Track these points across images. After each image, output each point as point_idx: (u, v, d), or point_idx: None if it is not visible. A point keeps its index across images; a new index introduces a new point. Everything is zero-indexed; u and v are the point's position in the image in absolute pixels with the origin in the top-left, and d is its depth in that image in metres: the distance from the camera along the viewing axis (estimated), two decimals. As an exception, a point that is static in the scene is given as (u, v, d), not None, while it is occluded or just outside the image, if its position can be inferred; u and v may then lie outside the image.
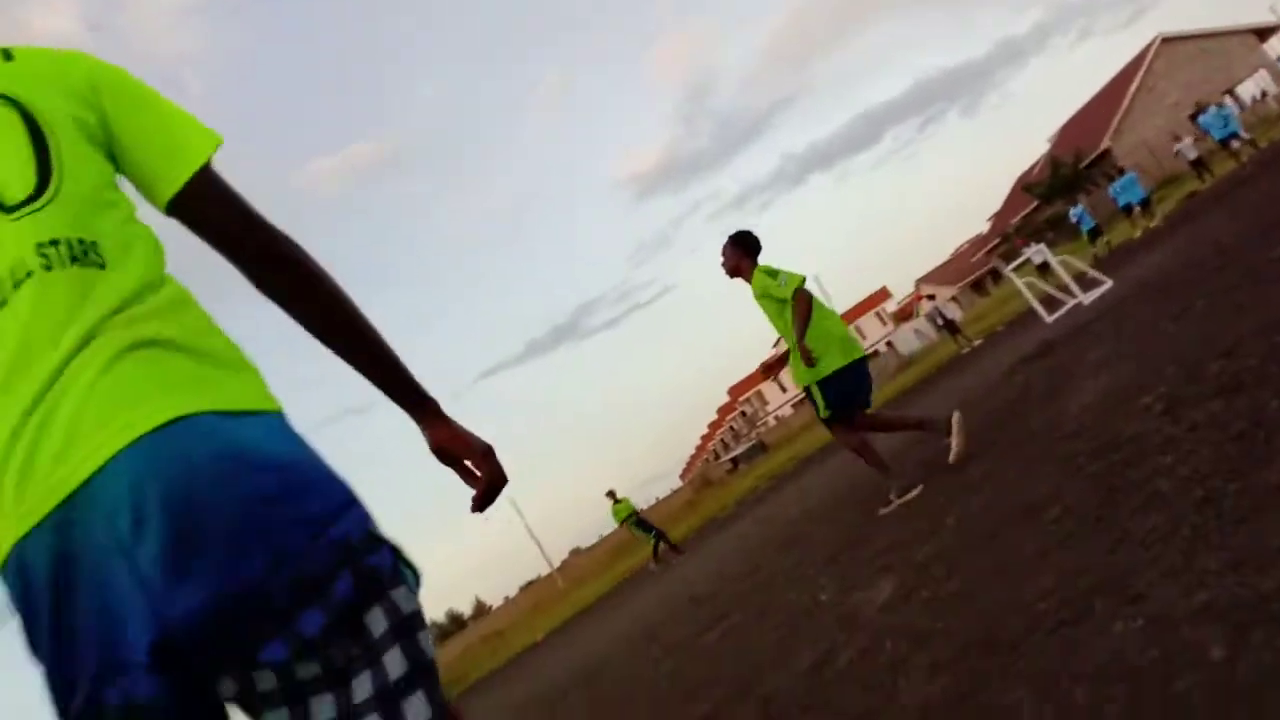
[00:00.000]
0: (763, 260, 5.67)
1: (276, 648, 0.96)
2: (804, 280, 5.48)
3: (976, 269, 61.43)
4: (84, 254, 1.09)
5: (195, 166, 1.21)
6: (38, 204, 1.10)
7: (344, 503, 1.05)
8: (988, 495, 3.86)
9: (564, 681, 7.94)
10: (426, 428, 1.39)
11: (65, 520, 0.98)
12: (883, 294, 79.75)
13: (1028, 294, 13.25)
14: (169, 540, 0.94)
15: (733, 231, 5.74)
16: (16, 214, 1.09)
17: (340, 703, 0.98)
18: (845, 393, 5.38)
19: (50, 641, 0.98)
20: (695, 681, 4.13)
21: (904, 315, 70.36)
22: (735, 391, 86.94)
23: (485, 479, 1.38)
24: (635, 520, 18.56)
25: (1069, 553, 2.51)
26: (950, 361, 19.89)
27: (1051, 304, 12.35)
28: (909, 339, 48.25)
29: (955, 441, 5.14)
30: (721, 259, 5.74)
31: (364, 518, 1.06)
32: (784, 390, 77.52)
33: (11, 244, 1.08)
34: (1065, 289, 11.79)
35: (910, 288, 76.51)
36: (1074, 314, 10.46)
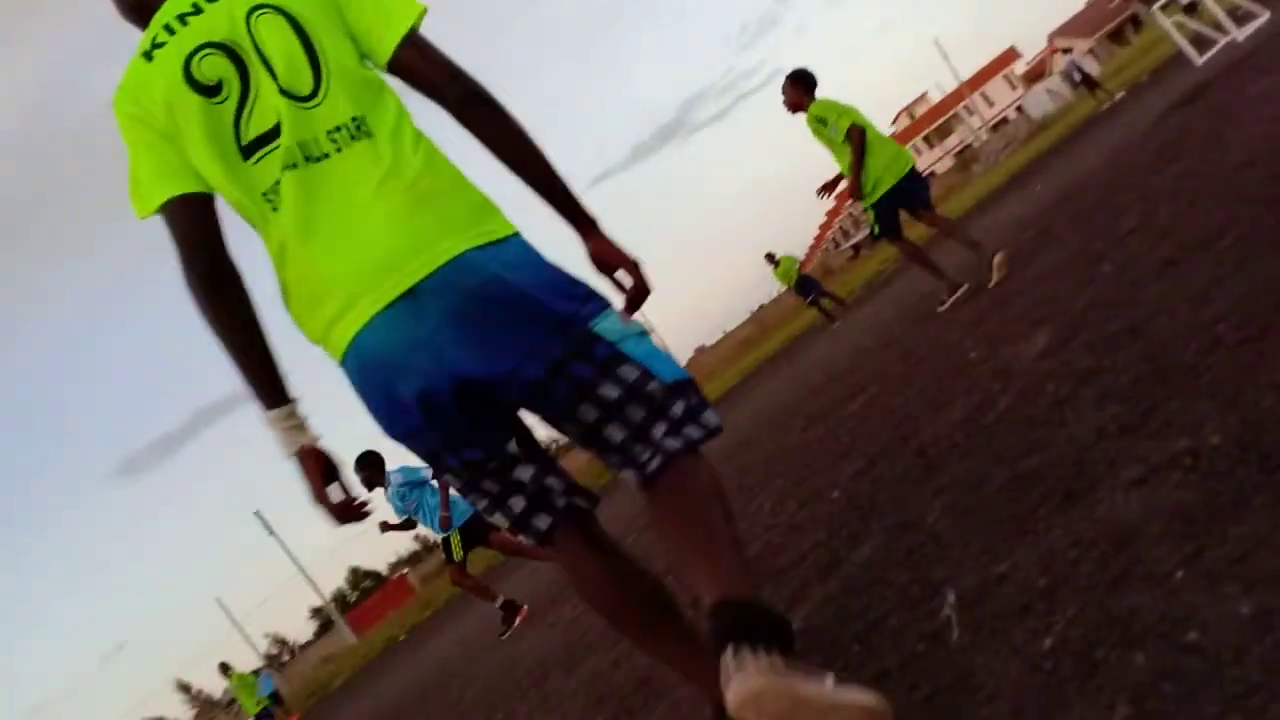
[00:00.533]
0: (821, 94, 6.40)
1: (558, 387, 1.51)
2: (856, 118, 6.22)
3: (1114, 16, 55.94)
4: (358, 130, 1.53)
5: (404, 31, 1.54)
6: (319, 97, 1.52)
7: (581, 295, 1.56)
8: (1149, 238, 3.70)
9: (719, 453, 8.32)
10: (587, 240, 1.68)
11: (391, 318, 1.46)
12: (1010, 55, 73.90)
13: (1175, 35, 12.07)
14: (466, 328, 1.46)
15: (791, 70, 6.50)
16: (308, 104, 1.52)
17: (599, 405, 1.53)
18: (896, 209, 6.43)
19: (392, 414, 1.55)
20: (844, 444, 4.26)
21: (1035, 75, 65.31)
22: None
23: (633, 288, 1.68)
24: (800, 280, 18.34)
25: (1246, 276, 2.42)
26: (1089, 120, 18.55)
27: (1202, 44, 11.25)
28: (1041, 101, 45.02)
29: (995, 275, 5.63)
30: (782, 96, 6.45)
31: (592, 311, 1.55)
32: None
33: (306, 128, 1.51)
34: (1217, 26, 10.67)
35: (1042, 44, 70.51)
36: (1228, 52, 9.52)
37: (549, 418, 1.58)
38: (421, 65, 1.56)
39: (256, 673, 26.68)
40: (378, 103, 1.56)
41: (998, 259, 5.62)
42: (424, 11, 1.55)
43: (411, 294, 1.45)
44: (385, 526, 7.54)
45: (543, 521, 1.62)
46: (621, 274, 1.67)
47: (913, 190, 6.36)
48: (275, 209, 1.52)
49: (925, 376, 4.44)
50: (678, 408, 1.55)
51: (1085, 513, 1.82)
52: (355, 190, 1.49)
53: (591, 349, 1.52)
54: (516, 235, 1.57)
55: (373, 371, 1.51)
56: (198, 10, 1.55)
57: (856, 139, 6.11)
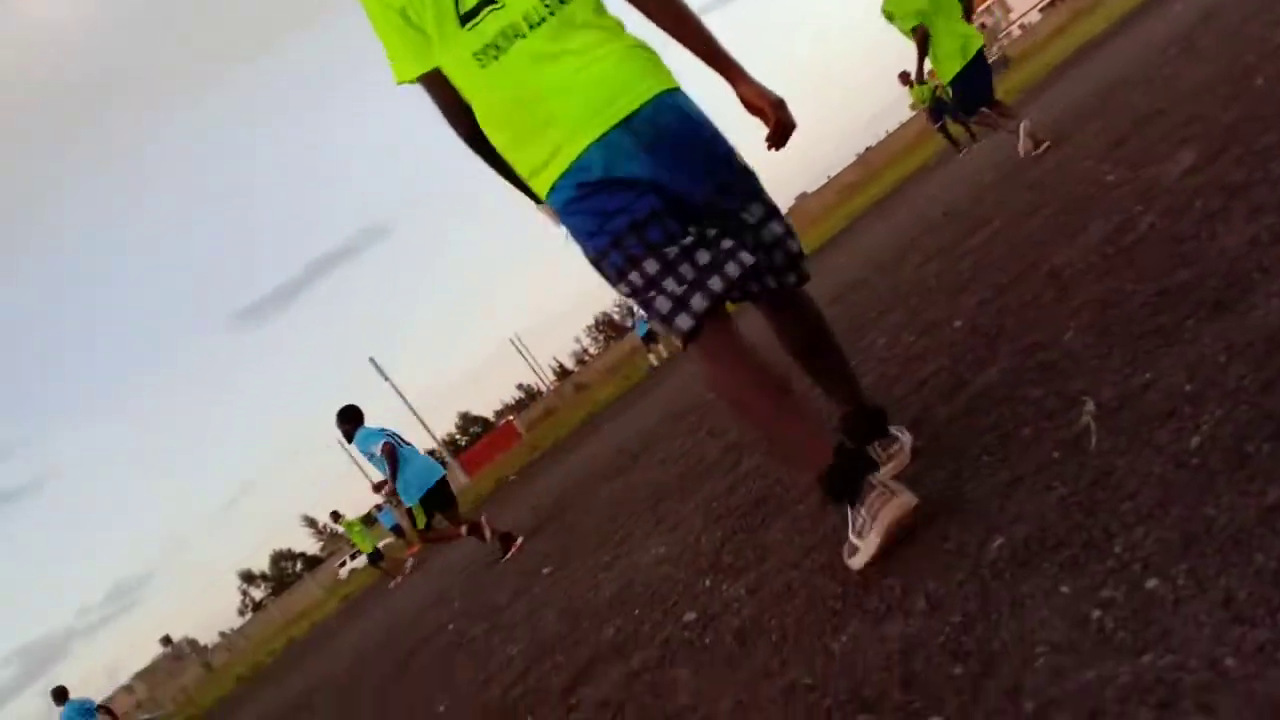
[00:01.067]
0: None
1: (730, 199, 1.98)
2: (920, 5, 6.70)
3: None
4: (561, 3, 1.90)
5: None
6: None
7: (726, 144, 2.00)
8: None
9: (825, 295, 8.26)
10: (736, 85, 2.03)
11: (612, 139, 1.85)
12: None
13: None
14: (671, 154, 1.88)
15: None
16: None
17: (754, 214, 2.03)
18: (970, 91, 7.06)
19: (606, 200, 1.88)
20: (966, 276, 4.15)
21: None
22: (975, 3, 78.06)
23: (778, 125, 2.02)
24: (935, 102, 17.46)
25: None
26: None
27: None
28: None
29: (1021, 145, 6.33)
30: None
31: (733, 151, 2.01)
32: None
33: (523, 7, 1.89)
34: None
35: None
36: None
37: (711, 221, 1.96)
38: None
39: (379, 507, 28.54)
40: None
41: (1024, 126, 6.36)
42: None
43: (625, 122, 1.85)
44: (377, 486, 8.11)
45: (709, 297, 1.86)
46: (768, 112, 2.01)
47: (978, 79, 7.03)
48: (485, 66, 1.89)
49: (1056, 204, 4.24)
50: (794, 245, 2.10)
51: (1237, 320, 1.75)
52: (570, 49, 1.88)
53: (746, 182, 2.02)
54: (680, 86, 1.98)
55: (587, 182, 1.87)
56: None
57: (919, 38, 6.88)
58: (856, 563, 1.82)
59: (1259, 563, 1.07)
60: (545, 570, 4.89)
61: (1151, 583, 1.18)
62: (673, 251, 1.86)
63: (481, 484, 30.32)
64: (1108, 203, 3.43)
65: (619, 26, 1.97)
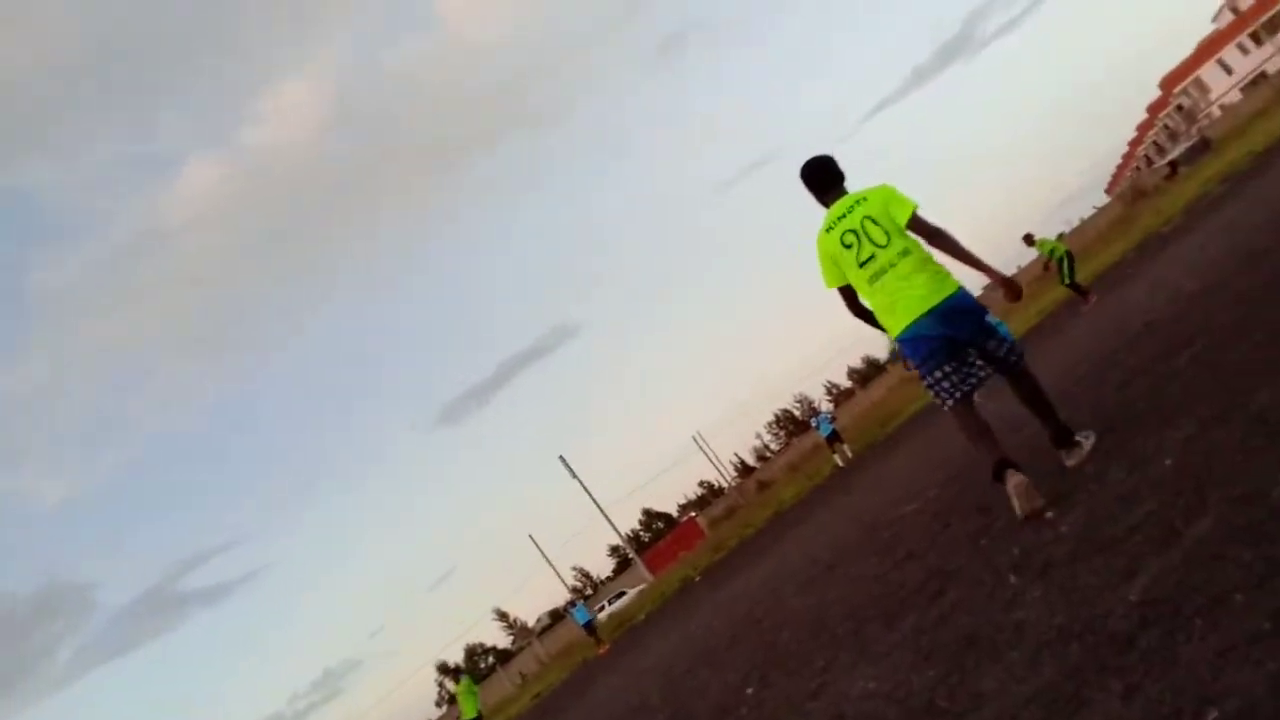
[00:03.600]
0: None
1: (981, 340, 4.26)
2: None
3: None
4: (902, 254, 4.27)
5: (909, 214, 4.28)
6: (888, 244, 4.29)
7: (983, 312, 4.27)
8: None
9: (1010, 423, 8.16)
10: (993, 278, 4.35)
11: (925, 317, 4.18)
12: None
13: None
14: (954, 321, 4.19)
15: None
16: (884, 248, 4.29)
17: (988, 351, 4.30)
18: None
19: (919, 352, 4.29)
20: (1171, 404, 4.14)
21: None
22: (1168, 83, 74.77)
23: (1012, 293, 4.56)
24: (1064, 260, 17.61)
25: None
26: None
27: None
28: None
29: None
30: None
31: (986, 315, 4.29)
32: (1228, 72, 65.22)
33: (885, 258, 4.29)
34: None
35: None
36: None
37: (976, 351, 4.29)
38: (916, 225, 4.27)
39: (573, 604, 29.12)
40: (906, 239, 4.27)
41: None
42: (916, 208, 4.30)
43: (931, 311, 4.16)
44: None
45: (960, 392, 4.28)
46: (1010, 284, 4.49)
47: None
48: (871, 284, 4.33)
49: (1264, 327, 4.20)
50: (1015, 351, 4.33)
51: None
52: (906, 276, 4.23)
53: (987, 328, 4.24)
54: (962, 287, 4.27)
55: (912, 338, 4.25)
56: (845, 214, 4.38)
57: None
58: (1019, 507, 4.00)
59: None
60: (749, 690, 5.05)
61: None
62: (950, 379, 4.28)
63: (666, 584, 30.48)
64: (1320, 339, 3.41)
65: (928, 259, 4.29)
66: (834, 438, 23.36)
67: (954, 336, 4.14)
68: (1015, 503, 3.98)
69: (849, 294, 4.49)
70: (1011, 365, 4.24)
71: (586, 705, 13.26)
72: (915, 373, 4.51)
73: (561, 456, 43.14)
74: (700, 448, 60.04)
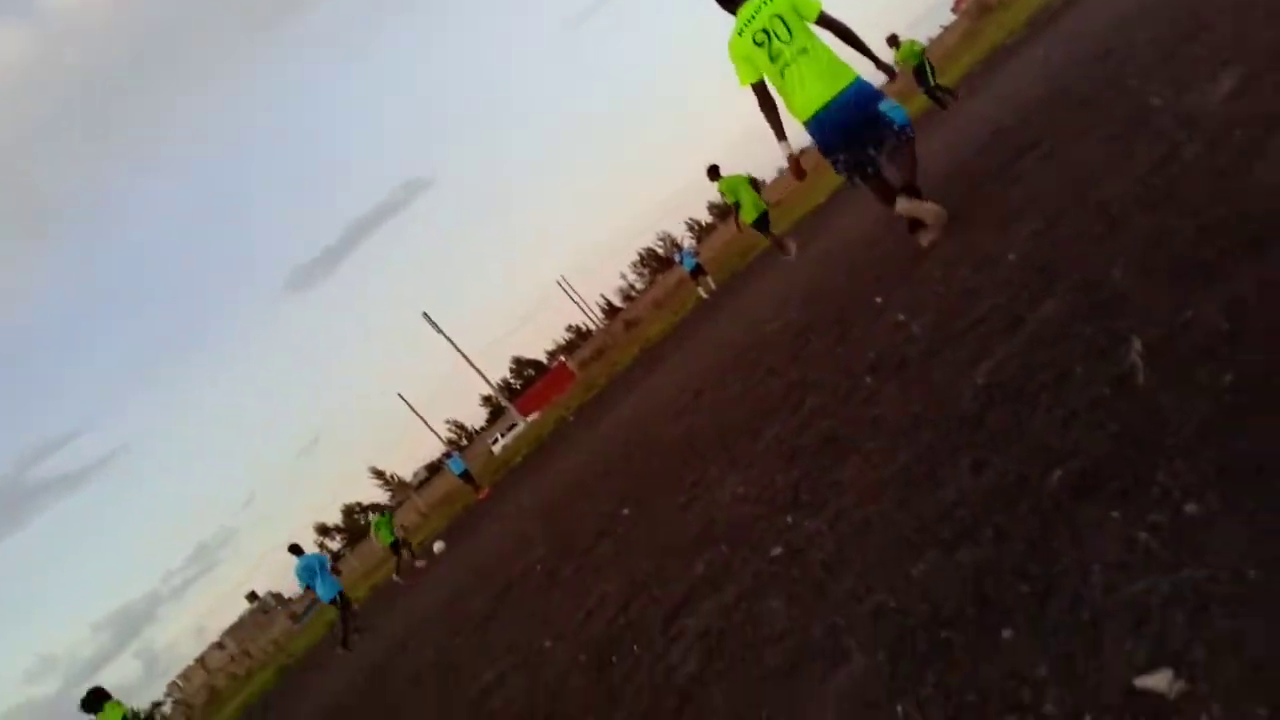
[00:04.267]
0: None
1: (874, 126, 4.96)
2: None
3: None
4: (805, 49, 4.88)
5: (818, 10, 4.93)
6: (793, 38, 4.88)
7: (878, 98, 4.99)
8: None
9: (869, 225, 8.33)
10: (881, 69, 5.26)
11: (824, 111, 4.91)
12: None
13: None
14: (849, 113, 4.90)
15: None
16: (789, 43, 4.88)
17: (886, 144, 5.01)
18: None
19: (821, 139, 5.03)
20: (1018, 204, 4.26)
21: None
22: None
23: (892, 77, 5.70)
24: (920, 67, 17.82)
25: None
26: None
27: None
28: None
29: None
30: None
31: (878, 99, 5.01)
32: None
33: (790, 51, 4.88)
34: None
35: None
36: None
37: (869, 141, 4.97)
38: (823, 20, 4.92)
39: (448, 455, 29.29)
40: (809, 35, 4.88)
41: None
42: (821, 6, 4.93)
43: (833, 99, 4.85)
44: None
45: (861, 172, 5.09)
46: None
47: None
48: (782, 76, 4.92)
49: (1104, 126, 4.32)
50: (905, 134, 4.96)
51: (1275, 260, 1.90)
52: (808, 70, 4.85)
53: (879, 115, 4.91)
54: (859, 76, 4.92)
55: (815, 126, 4.94)
56: (754, 15, 4.93)
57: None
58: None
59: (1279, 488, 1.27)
60: (624, 511, 5.18)
61: (1190, 507, 1.39)
62: (842, 156, 5.06)
63: (541, 426, 30.91)
64: (1153, 128, 3.52)
65: (829, 53, 4.91)
66: (697, 271, 23.68)
67: (851, 122, 4.84)
68: (930, 220, 4.84)
69: (761, 90, 5.03)
70: (901, 144, 4.92)
71: (467, 549, 13.50)
72: (802, 182, 5.30)
73: (425, 312, 42.29)
74: (565, 292, 59.91)
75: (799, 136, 5.36)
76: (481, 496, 23.33)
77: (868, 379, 3.44)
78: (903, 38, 19.23)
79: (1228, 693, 1.05)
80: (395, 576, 18.41)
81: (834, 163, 5.12)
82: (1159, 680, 1.13)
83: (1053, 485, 1.73)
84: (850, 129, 4.89)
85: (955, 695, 1.41)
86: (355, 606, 14.77)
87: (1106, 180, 3.38)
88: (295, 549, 14.18)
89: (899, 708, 1.48)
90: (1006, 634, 1.45)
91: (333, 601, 13.66)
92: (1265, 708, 1.00)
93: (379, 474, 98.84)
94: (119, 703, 10.22)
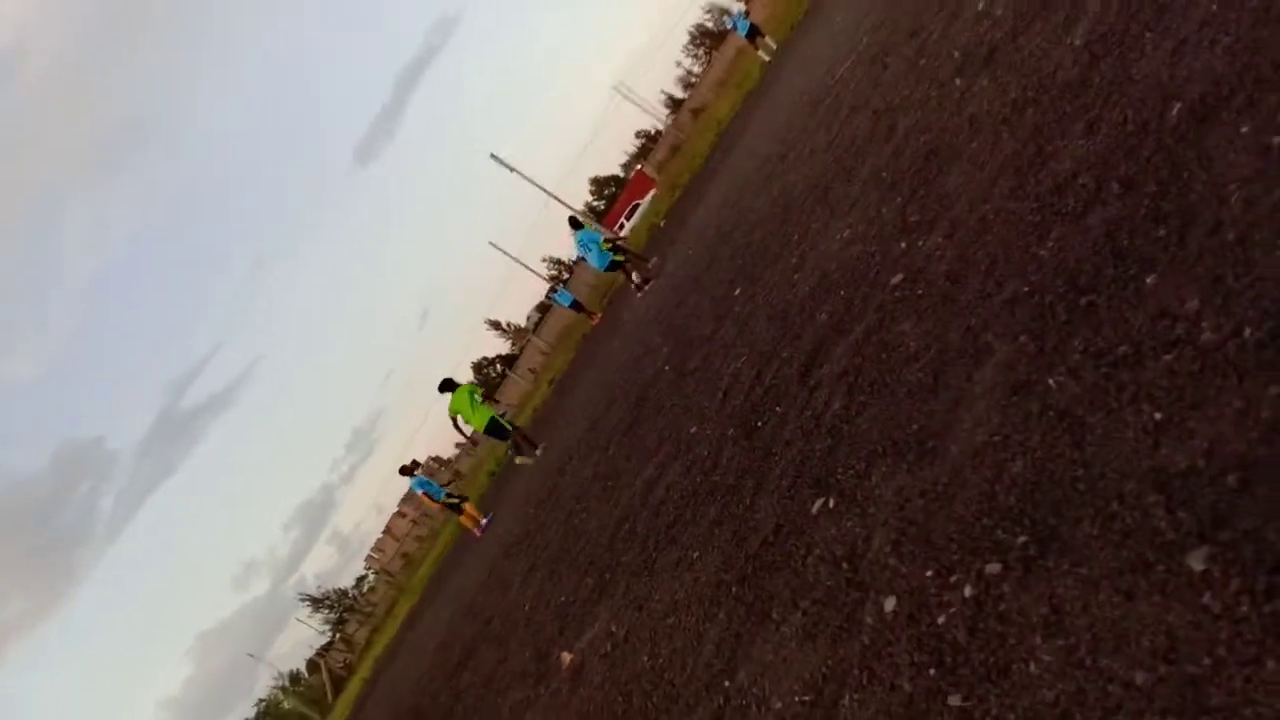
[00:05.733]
0: None
1: None
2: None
3: None
4: None
5: None
6: None
7: None
8: None
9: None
10: None
11: None
12: None
13: None
14: None
15: None
16: None
17: None
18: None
19: None
20: None
21: None
22: None
23: None
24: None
25: None
26: None
27: None
28: None
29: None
30: None
31: None
32: None
33: None
34: None
35: None
36: None
37: None
38: None
39: (553, 290, 29.74)
40: None
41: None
42: None
43: None
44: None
45: None
46: None
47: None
48: None
49: None
50: None
51: None
52: None
53: None
54: None
55: None
56: None
57: None
58: None
59: None
60: (736, 291, 5.18)
61: (1333, 95, 1.26)
62: None
63: (634, 238, 30.84)
64: None
65: None
66: (754, 33, 22.42)
67: None
68: None
69: None
70: None
71: (597, 369, 13.91)
72: None
73: (493, 154, 41.90)
74: (625, 97, 58.18)
75: None
76: (596, 321, 23.76)
77: (957, 81, 3.24)
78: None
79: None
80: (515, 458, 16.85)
81: None
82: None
83: (1173, 120, 1.61)
84: None
85: (1107, 352, 1.38)
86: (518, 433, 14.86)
87: None
88: (405, 469, 14.37)
89: (1050, 381, 1.47)
90: (1150, 280, 1.39)
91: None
92: None
93: (495, 324, 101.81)
94: (470, 385, 13.44)
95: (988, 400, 1.63)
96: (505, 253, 51.44)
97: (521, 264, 52.70)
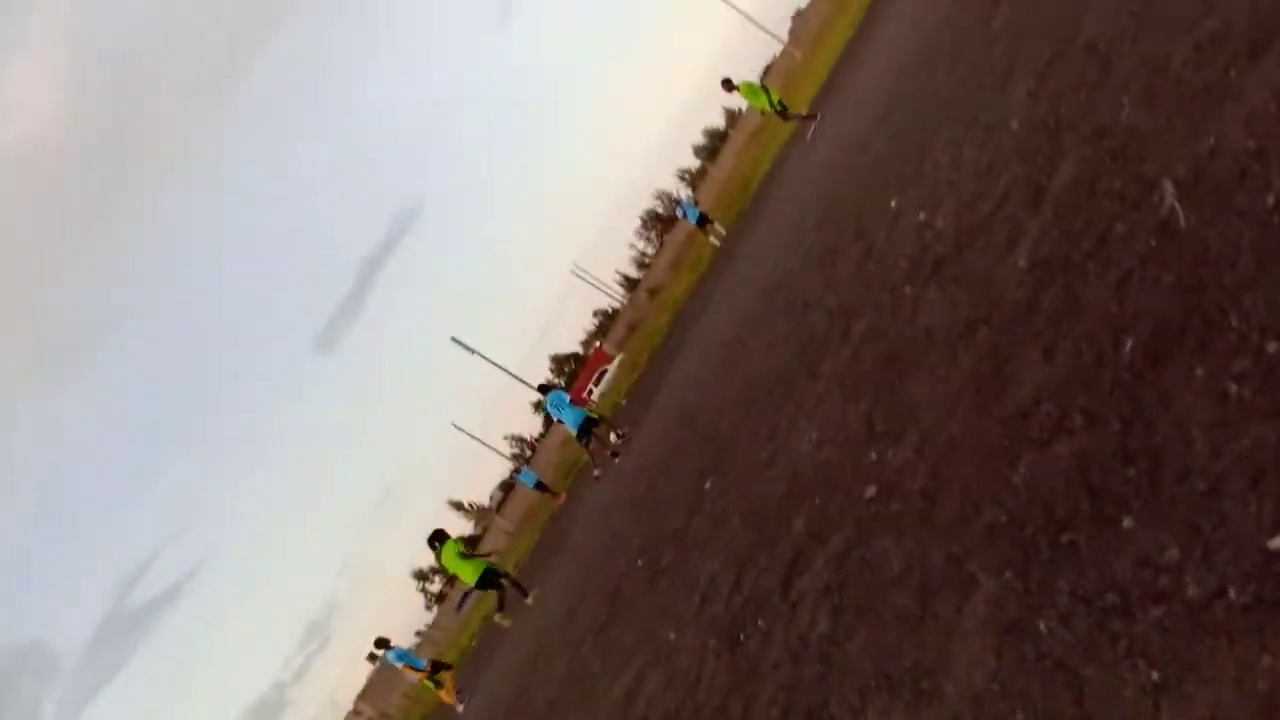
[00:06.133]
0: None
1: None
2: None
3: None
4: None
5: None
6: None
7: None
8: None
9: (862, 130, 8.17)
10: None
11: None
12: None
13: None
14: None
15: None
16: None
17: None
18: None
19: None
20: (1001, 68, 4.14)
21: None
22: None
23: None
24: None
25: None
26: None
27: None
28: None
29: None
30: None
31: None
32: None
33: None
34: None
35: None
36: None
37: None
38: None
39: (517, 470, 29.52)
40: None
41: None
42: None
43: None
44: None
45: None
46: None
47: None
48: None
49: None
50: None
51: (1275, 61, 1.82)
52: None
53: None
54: None
55: None
56: None
57: None
58: None
59: (1365, 304, 1.22)
60: (707, 484, 5.18)
61: (1272, 346, 1.34)
62: None
63: (600, 409, 30.98)
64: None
65: None
66: (703, 220, 23.47)
67: None
68: None
69: None
70: None
71: (565, 557, 13.63)
72: None
73: (454, 337, 42.49)
74: (582, 279, 59.88)
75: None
76: (561, 502, 23.48)
77: (907, 289, 3.38)
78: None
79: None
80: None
81: None
82: (1298, 538, 1.09)
83: (1128, 356, 1.68)
84: None
85: (1095, 599, 1.38)
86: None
87: (1087, 15, 3.27)
88: (379, 643, 14.94)
89: (1041, 625, 1.46)
90: (1127, 523, 1.42)
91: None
92: None
93: (458, 505, 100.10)
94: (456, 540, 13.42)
95: (980, 639, 1.61)
96: (467, 433, 51.19)
97: (484, 443, 52.37)
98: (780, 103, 16.86)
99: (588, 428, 14.86)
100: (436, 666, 14.93)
